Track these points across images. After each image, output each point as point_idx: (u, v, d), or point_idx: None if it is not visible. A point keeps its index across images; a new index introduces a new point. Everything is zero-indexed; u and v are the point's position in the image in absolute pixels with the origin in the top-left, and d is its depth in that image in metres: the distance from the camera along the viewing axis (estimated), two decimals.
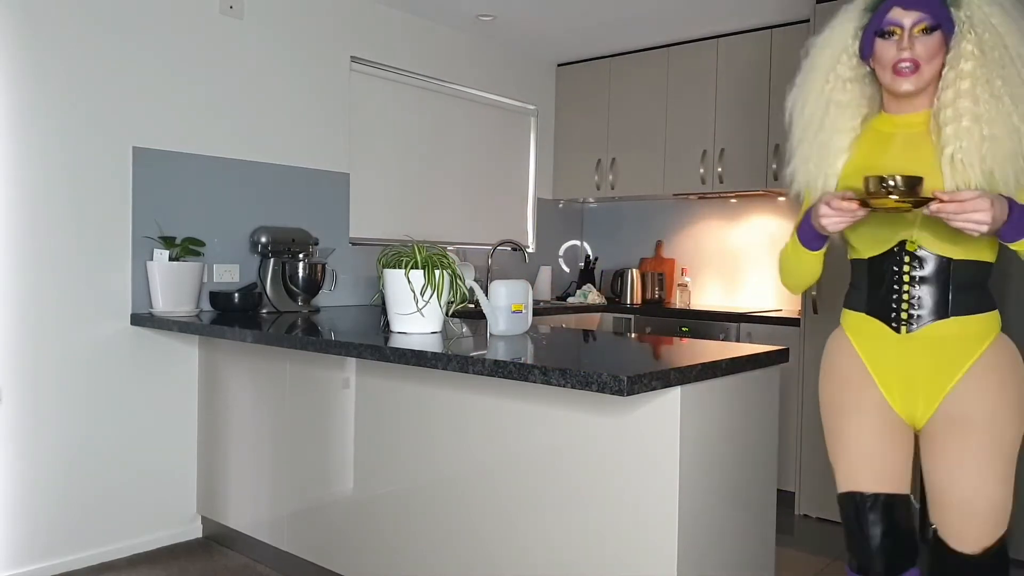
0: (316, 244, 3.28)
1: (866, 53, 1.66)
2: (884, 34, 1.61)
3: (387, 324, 2.42)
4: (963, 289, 1.59)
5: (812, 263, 1.72)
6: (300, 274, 3.17)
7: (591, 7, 3.70)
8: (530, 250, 4.57)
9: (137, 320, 2.84)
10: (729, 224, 4.29)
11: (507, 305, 2.31)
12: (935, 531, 1.62)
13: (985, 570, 1.56)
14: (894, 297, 1.63)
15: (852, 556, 1.72)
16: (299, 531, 2.66)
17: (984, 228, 1.42)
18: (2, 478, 2.59)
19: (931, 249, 1.60)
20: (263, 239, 3.14)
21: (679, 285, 4.28)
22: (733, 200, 4.24)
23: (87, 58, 2.72)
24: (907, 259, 1.62)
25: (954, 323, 1.59)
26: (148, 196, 2.88)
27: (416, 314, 2.29)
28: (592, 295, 4.35)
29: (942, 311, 1.60)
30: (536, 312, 3.80)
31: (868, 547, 1.68)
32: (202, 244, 2.95)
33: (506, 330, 2.31)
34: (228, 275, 3.12)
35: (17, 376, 2.61)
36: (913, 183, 1.49)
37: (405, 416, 2.34)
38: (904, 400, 1.65)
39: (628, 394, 1.58)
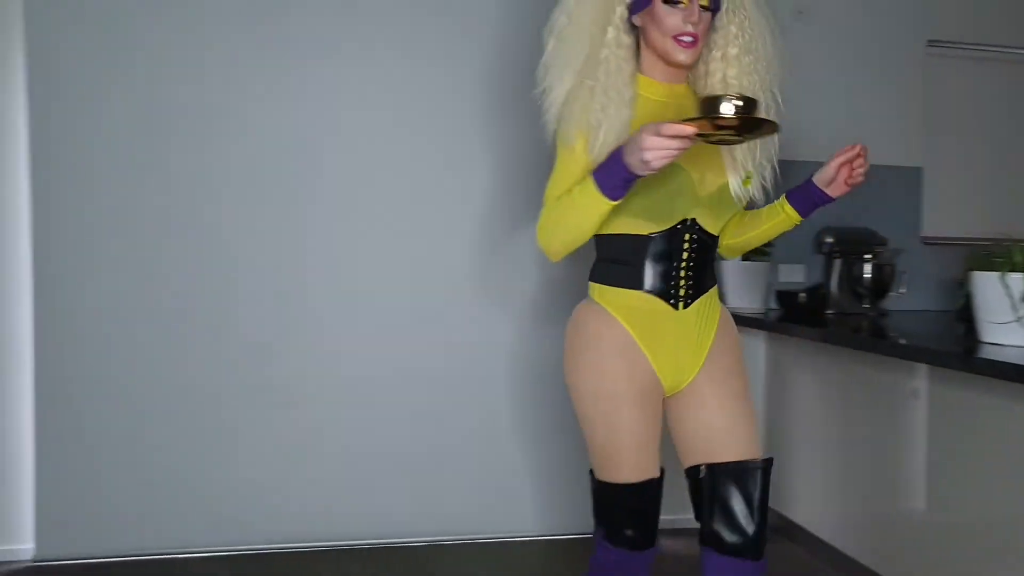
0: (884, 244, 3.14)
1: (637, 9, 1.60)
2: (670, 1, 1.57)
3: (971, 332, 2.20)
4: (712, 264, 1.72)
5: (602, 218, 1.56)
6: (866, 275, 3.08)
7: None
8: None
9: None
10: None
11: None
12: (707, 467, 1.66)
13: (767, 470, 1.67)
14: (677, 275, 1.65)
15: (633, 535, 1.67)
16: (863, 538, 2.61)
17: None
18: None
19: (706, 227, 1.66)
20: (828, 239, 3.13)
21: None
22: None
23: None
24: (690, 237, 1.65)
25: (708, 296, 1.70)
26: None
27: (1015, 324, 2.04)
28: None
29: (706, 286, 1.70)
30: None
31: (653, 522, 1.68)
32: (770, 245, 3.08)
33: None
34: (794, 275, 3.20)
35: None
36: (752, 106, 1.46)
37: (991, 438, 2.10)
38: (673, 374, 1.67)
39: None
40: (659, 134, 1.40)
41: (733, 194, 1.67)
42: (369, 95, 2.88)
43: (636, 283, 1.64)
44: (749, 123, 1.46)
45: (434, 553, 2.90)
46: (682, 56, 1.59)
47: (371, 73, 2.88)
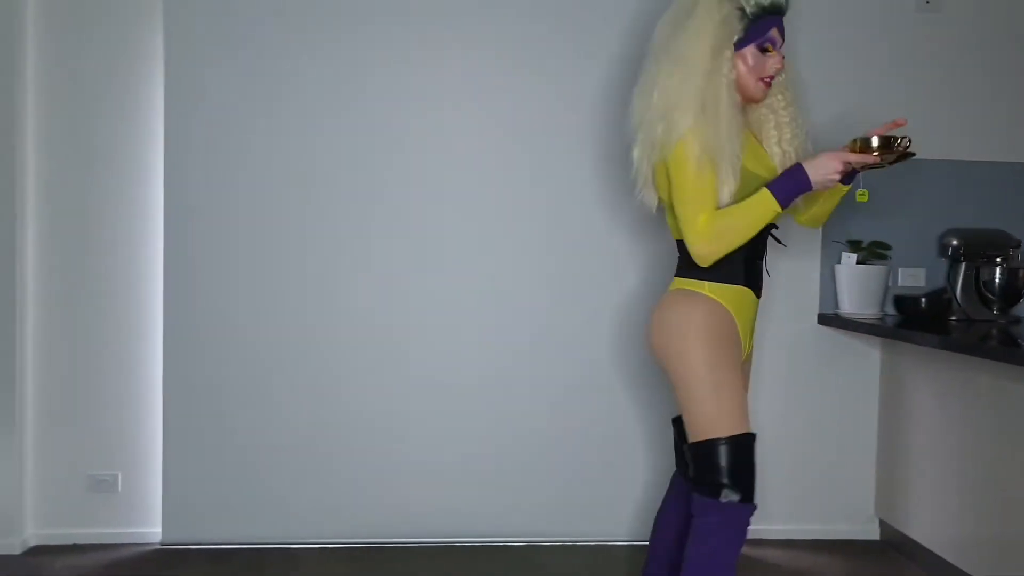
0: (1017, 247, 2.95)
1: (739, 48, 1.95)
2: (764, 48, 1.95)
3: None
4: None
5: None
6: (996, 280, 2.89)
7: None
8: None
9: (823, 319, 3.00)
10: None
11: None
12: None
13: None
14: (759, 269, 2.05)
15: (742, 489, 1.92)
16: (988, 559, 2.46)
17: None
18: None
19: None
20: (953, 242, 2.97)
21: None
22: None
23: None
24: (768, 237, 2.06)
25: None
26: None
27: None
28: None
29: None
30: None
31: (754, 477, 1.95)
32: (888, 248, 2.94)
33: None
34: (913, 279, 3.05)
35: None
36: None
37: None
38: (747, 351, 2.08)
39: None
40: (848, 161, 1.92)
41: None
42: (489, 100, 2.93)
43: (736, 278, 1.99)
44: (904, 155, 1.98)
45: (540, 553, 2.92)
46: (762, 95, 2.01)
47: (491, 78, 2.93)
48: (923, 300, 2.90)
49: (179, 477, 2.89)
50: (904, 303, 2.94)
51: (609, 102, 2.92)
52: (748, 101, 2.02)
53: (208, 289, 2.87)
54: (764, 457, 3.02)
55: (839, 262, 2.96)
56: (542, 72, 2.93)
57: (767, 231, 2.04)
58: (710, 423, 1.92)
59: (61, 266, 2.88)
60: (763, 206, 1.90)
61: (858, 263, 2.91)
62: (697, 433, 1.95)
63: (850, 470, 3.09)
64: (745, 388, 2.08)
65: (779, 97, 2.07)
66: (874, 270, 2.90)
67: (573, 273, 2.97)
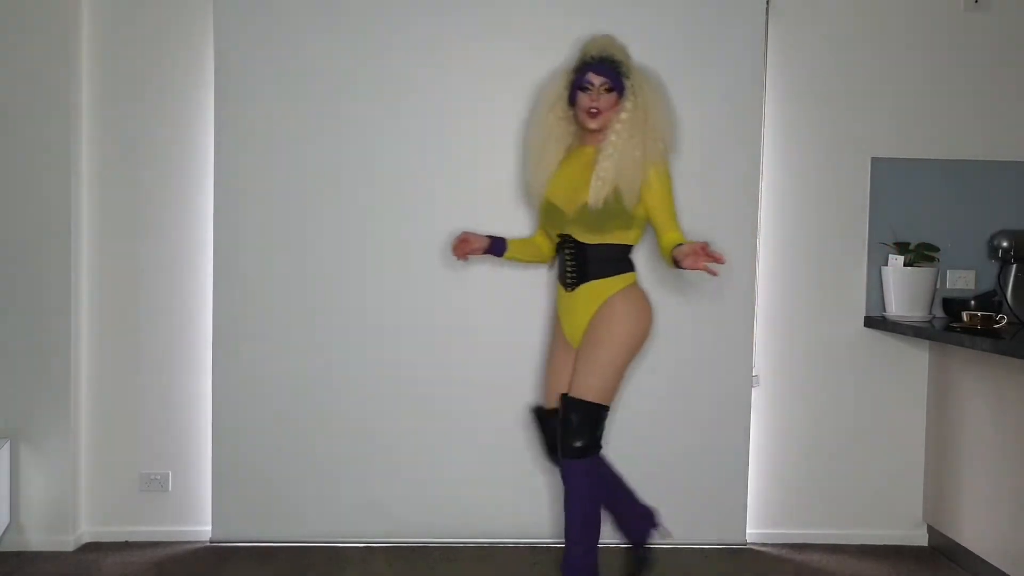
0: None
1: (572, 101, 2.51)
2: (583, 88, 2.46)
3: None
4: None
5: None
6: None
7: None
8: None
9: (870, 322, 2.97)
10: None
11: None
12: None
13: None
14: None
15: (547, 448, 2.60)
16: None
17: None
18: (757, 449, 3.02)
19: None
20: (1004, 243, 2.92)
21: None
22: None
23: (827, 73, 2.97)
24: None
25: None
26: (884, 203, 2.99)
27: None
28: None
29: None
30: None
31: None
32: (936, 250, 2.91)
33: None
34: (963, 281, 3.01)
35: (771, 364, 3.03)
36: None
37: None
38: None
39: None
40: None
41: None
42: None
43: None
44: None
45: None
46: (590, 123, 2.45)
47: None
48: (972, 302, 2.86)
49: (228, 477, 2.94)
50: (953, 306, 2.90)
51: None
52: (586, 130, 2.51)
53: (256, 292, 2.92)
54: (810, 461, 3.02)
55: (886, 264, 2.92)
56: None
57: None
58: (610, 394, 2.43)
59: (114, 271, 2.94)
60: None
61: (906, 265, 2.87)
62: (599, 401, 2.45)
63: (898, 475, 3.05)
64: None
65: (615, 135, 2.48)
66: (922, 272, 2.86)
67: None
